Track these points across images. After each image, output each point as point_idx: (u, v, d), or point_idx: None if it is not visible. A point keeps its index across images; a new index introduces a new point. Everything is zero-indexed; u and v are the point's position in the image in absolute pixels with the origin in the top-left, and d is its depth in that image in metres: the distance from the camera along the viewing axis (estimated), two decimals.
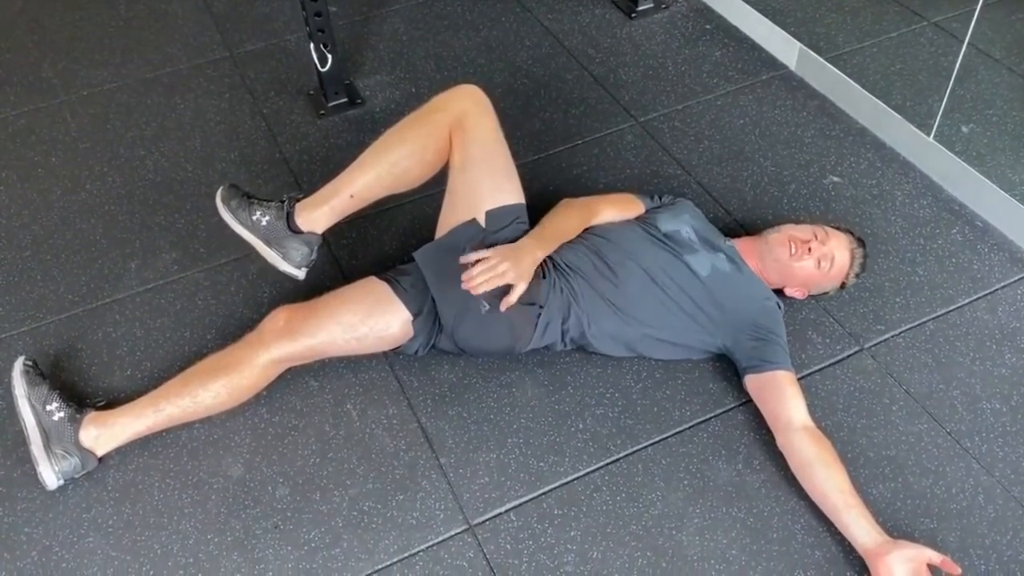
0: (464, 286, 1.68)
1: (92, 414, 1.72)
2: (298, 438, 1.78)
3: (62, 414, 1.69)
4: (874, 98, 2.39)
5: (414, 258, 1.86)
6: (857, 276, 1.93)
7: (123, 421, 1.72)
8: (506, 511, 1.67)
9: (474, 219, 1.80)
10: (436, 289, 1.80)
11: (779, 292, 1.93)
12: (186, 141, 2.45)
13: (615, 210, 1.96)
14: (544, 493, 1.69)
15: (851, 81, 2.45)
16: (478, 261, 1.69)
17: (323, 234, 1.87)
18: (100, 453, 1.71)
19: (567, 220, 1.89)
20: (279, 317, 1.79)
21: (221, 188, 1.86)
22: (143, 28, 2.86)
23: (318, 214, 1.84)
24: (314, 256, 1.87)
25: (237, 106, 2.56)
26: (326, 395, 1.85)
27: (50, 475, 1.66)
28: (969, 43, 2.18)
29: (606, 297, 1.80)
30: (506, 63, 2.67)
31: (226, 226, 1.84)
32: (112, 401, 1.80)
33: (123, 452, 1.74)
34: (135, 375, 1.89)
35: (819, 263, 1.86)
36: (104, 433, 1.71)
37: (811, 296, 1.96)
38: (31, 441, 1.67)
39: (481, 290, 1.66)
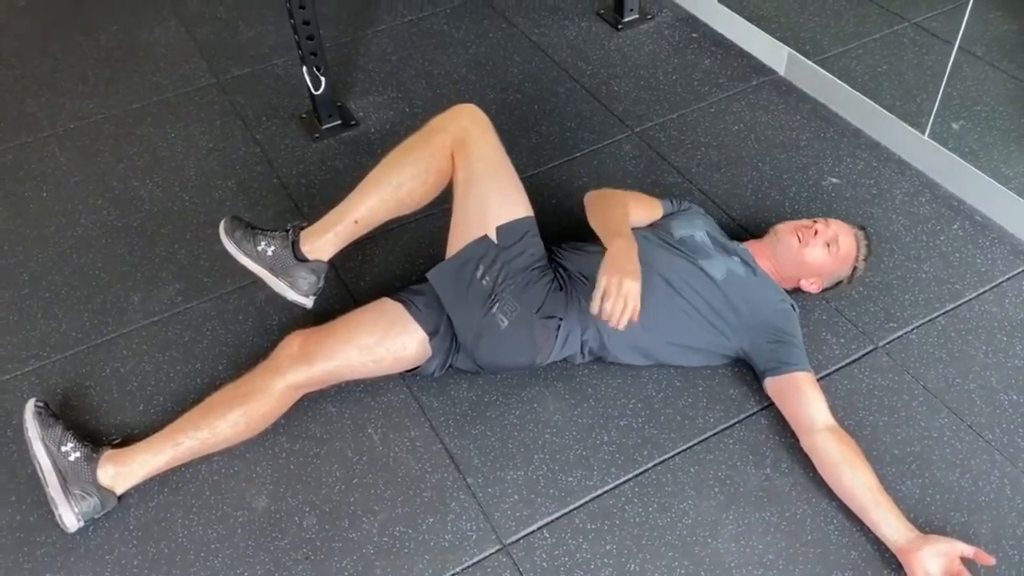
0: (613, 326, 1.64)
1: (109, 452, 1.68)
2: (321, 466, 1.75)
3: (78, 454, 1.65)
4: (866, 99, 2.42)
5: (427, 278, 1.85)
6: (865, 260, 1.93)
7: (141, 457, 1.68)
8: (538, 528, 1.65)
9: (485, 235, 1.79)
10: (452, 309, 1.79)
11: (794, 291, 1.94)
12: (180, 170, 2.42)
13: (640, 210, 1.96)
14: (575, 508, 1.68)
15: (841, 83, 2.48)
16: (602, 299, 1.64)
17: (330, 260, 1.85)
18: (119, 491, 1.67)
19: (623, 210, 1.87)
20: (293, 343, 1.77)
21: (224, 220, 1.84)
22: (125, 58, 2.83)
23: (323, 241, 1.82)
24: (321, 284, 1.86)
25: (229, 132, 2.54)
26: (346, 420, 1.83)
27: (70, 517, 1.62)
28: (953, 41, 2.21)
29: None
30: (497, 79, 2.67)
31: (230, 257, 1.82)
32: (128, 438, 1.76)
33: (143, 489, 1.71)
34: (148, 410, 1.85)
35: (827, 246, 1.87)
36: (122, 471, 1.67)
37: (824, 291, 1.96)
38: (48, 483, 1.63)
39: (624, 322, 1.63)
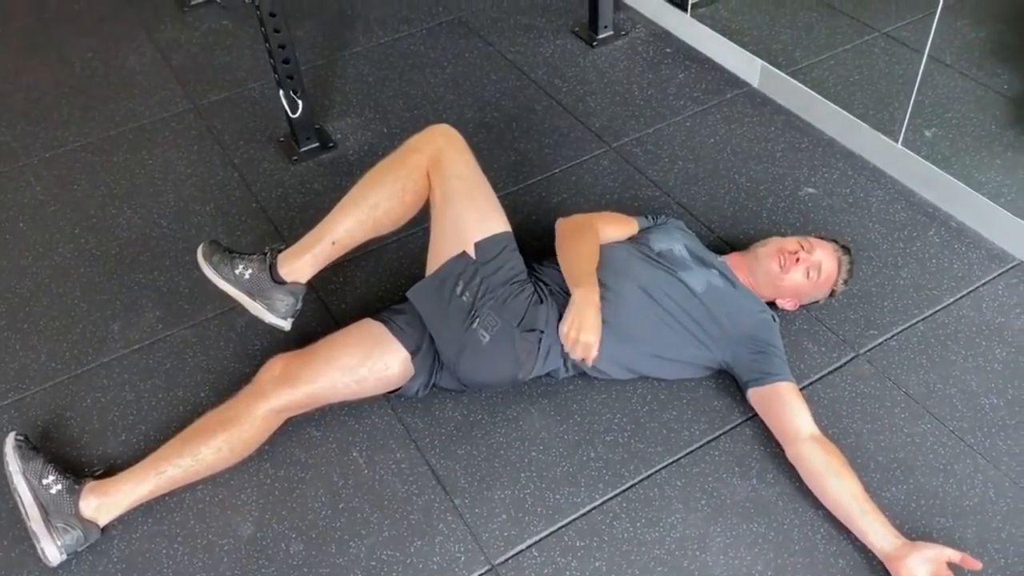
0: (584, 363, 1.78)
1: (91, 484, 1.67)
2: (307, 491, 1.74)
3: (60, 486, 1.64)
4: (839, 109, 2.45)
5: (407, 297, 1.85)
6: (845, 283, 1.96)
7: (124, 488, 1.67)
8: (527, 547, 1.64)
9: (464, 252, 1.80)
10: (433, 326, 1.79)
11: (771, 304, 1.95)
12: (158, 197, 2.41)
13: (614, 228, 1.98)
14: (564, 526, 1.67)
15: (815, 94, 2.51)
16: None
17: (309, 282, 1.85)
18: (103, 523, 1.65)
19: (588, 249, 1.88)
20: (275, 366, 1.77)
21: (202, 244, 1.84)
22: (101, 85, 2.82)
23: (301, 263, 1.82)
24: (299, 306, 1.86)
25: (207, 157, 2.53)
26: (330, 444, 1.82)
27: (53, 550, 1.60)
28: (923, 51, 2.25)
29: (605, 318, 1.80)
30: (475, 98, 2.68)
31: (209, 282, 1.82)
32: (110, 468, 1.74)
33: (126, 520, 1.69)
34: (130, 440, 1.84)
35: (808, 273, 1.89)
36: (105, 502, 1.65)
37: (802, 306, 1.99)
38: (29, 517, 1.61)
39: (591, 362, 1.77)
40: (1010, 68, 2.64)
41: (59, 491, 1.63)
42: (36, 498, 1.61)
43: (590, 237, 1.90)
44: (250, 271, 1.81)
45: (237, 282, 1.81)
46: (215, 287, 1.82)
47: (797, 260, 1.88)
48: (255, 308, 1.82)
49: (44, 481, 1.63)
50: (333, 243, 1.84)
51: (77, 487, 1.65)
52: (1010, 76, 2.62)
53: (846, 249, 1.97)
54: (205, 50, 2.94)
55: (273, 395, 1.72)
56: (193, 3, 3.12)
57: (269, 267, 1.82)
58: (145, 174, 2.48)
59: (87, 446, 1.83)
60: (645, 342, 1.83)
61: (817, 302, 1.99)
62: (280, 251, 1.85)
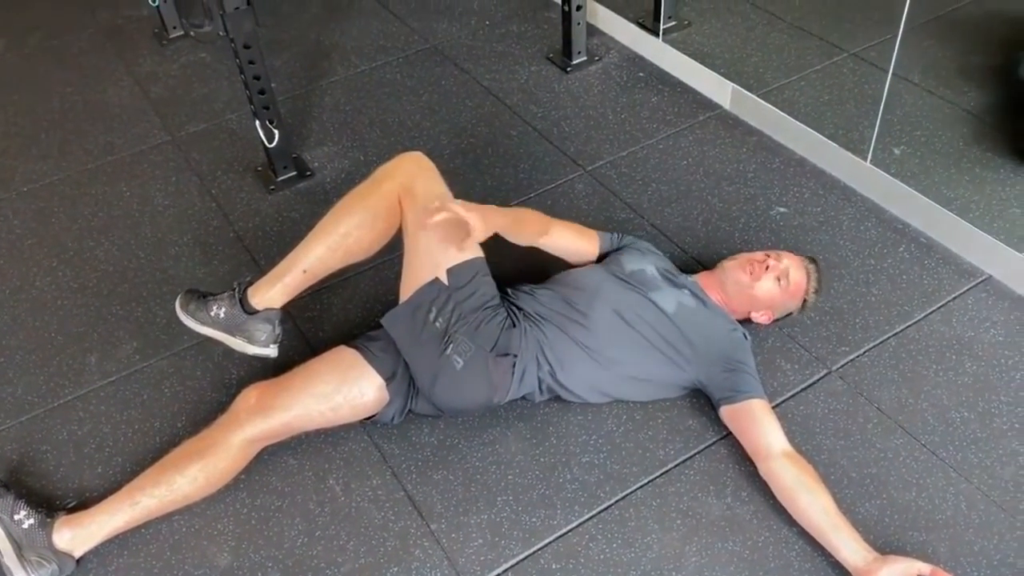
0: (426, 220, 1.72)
1: (64, 517, 1.67)
2: (283, 519, 1.74)
3: (32, 521, 1.64)
4: (809, 129, 2.48)
5: (381, 324, 1.86)
6: (816, 292, 1.96)
7: (99, 519, 1.67)
8: (504, 571, 1.65)
9: (436, 278, 1.81)
10: (408, 352, 1.80)
11: (745, 321, 1.97)
12: (136, 228, 2.42)
13: (570, 232, 2.00)
14: (540, 549, 1.67)
15: (785, 115, 2.54)
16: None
17: (284, 307, 1.86)
18: (78, 554, 1.65)
19: (526, 213, 1.95)
20: (250, 395, 1.77)
21: (179, 297, 1.88)
22: (79, 119, 2.84)
23: (273, 293, 1.84)
24: (278, 331, 1.87)
25: (185, 189, 2.54)
26: (307, 472, 1.82)
27: None
28: (890, 70, 2.29)
29: (579, 341, 1.82)
30: (451, 124, 2.71)
31: (190, 330, 1.85)
32: (85, 501, 1.74)
33: (101, 553, 1.68)
34: (106, 472, 1.83)
35: (778, 280, 1.90)
36: (79, 533, 1.65)
37: (775, 320, 2.00)
38: (2, 552, 1.60)
39: (437, 220, 1.70)
40: (976, 86, 2.69)
41: (31, 525, 1.63)
42: (8, 534, 1.61)
43: (539, 220, 1.96)
44: (224, 309, 1.84)
45: (214, 323, 1.84)
46: (196, 333, 1.85)
47: (767, 267, 1.90)
48: (237, 344, 1.85)
49: (16, 517, 1.63)
50: (304, 271, 1.85)
51: (49, 520, 1.65)
52: (976, 94, 2.67)
53: (812, 260, 1.99)
54: (183, 82, 2.97)
55: (248, 424, 1.73)
56: (172, 37, 3.15)
57: (240, 301, 1.84)
58: (123, 206, 2.50)
59: (63, 479, 1.83)
60: (621, 365, 1.84)
61: (791, 314, 2.00)
62: (249, 283, 1.87)
